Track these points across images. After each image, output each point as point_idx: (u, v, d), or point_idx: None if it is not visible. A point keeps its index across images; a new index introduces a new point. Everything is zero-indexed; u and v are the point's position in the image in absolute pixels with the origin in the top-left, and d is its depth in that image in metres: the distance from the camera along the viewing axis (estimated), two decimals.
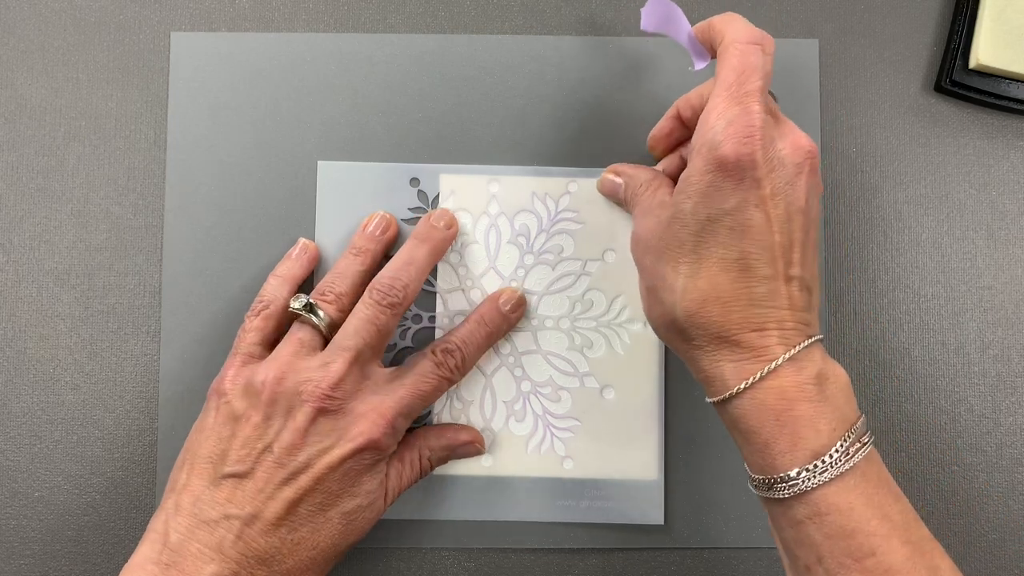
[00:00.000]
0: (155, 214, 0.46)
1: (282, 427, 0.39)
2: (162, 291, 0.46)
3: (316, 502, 0.39)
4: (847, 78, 0.47)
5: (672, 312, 0.37)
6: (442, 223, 0.44)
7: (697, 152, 0.36)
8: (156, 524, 0.39)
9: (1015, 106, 0.46)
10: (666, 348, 0.45)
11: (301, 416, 0.39)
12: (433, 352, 0.42)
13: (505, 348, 0.45)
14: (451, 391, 0.45)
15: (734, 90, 0.36)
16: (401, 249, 0.43)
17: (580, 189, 0.46)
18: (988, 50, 0.45)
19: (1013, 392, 0.46)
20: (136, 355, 0.46)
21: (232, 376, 0.40)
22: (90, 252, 0.46)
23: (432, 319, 0.45)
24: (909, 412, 0.46)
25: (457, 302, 0.45)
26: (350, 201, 0.46)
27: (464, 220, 0.46)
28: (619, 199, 0.43)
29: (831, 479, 0.33)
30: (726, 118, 0.35)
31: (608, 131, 0.47)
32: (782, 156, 0.36)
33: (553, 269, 0.46)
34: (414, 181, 0.46)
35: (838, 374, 0.36)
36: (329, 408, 0.39)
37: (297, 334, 0.41)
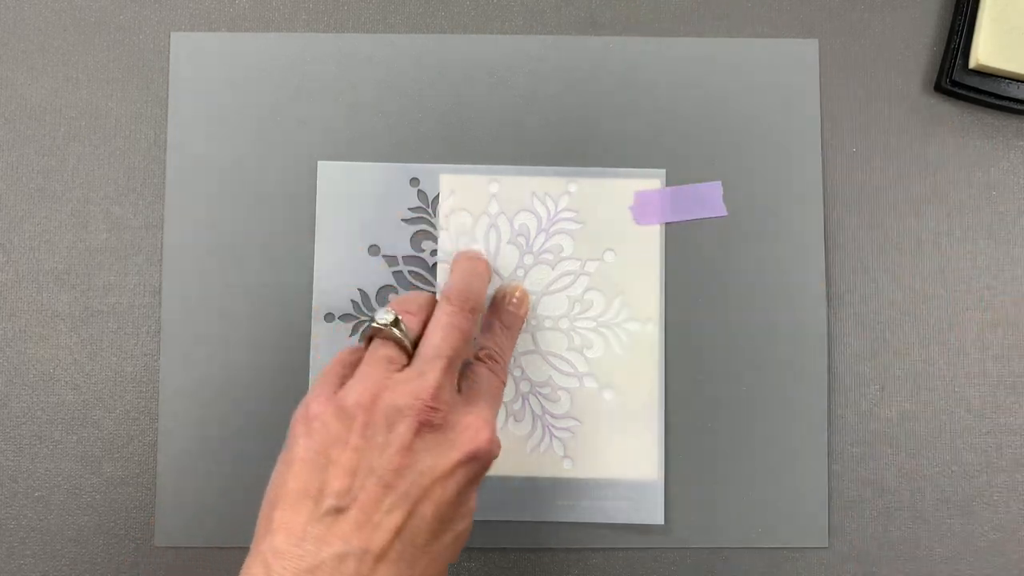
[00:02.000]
0: (155, 214, 0.46)
1: (385, 447, 0.35)
2: (162, 291, 0.46)
3: (430, 526, 0.35)
4: (847, 78, 0.47)
5: None
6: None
7: None
8: (253, 572, 0.34)
9: (1015, 106, 0.46)
10: (666, 347, 0.45)
11: (404, 432, 0.36)
12: (484, 361, 0.42)
13: None
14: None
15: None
16: (459, 263, 0.44)
17: (580, 189, 0.46)
18: (988, 50, 0.45)
19: (1013, 392, 0.46)
20: (136, 355, 0.46)
21: (321, 400, 0.37)
22: (90, 252, 0.46)
23: None
24: (909, 412, 0.46)
25: None
26: (350, 201, 0.46)
27: (464, 220, 0.46)
28: None
29: None
30: None
31: (608, 131, 0.47)
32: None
33: (552, 269, 0.46)
34: (414, 181, 0.46)
35: None
36: (432, 420, 0.36)
37: (380, 351, 0.38)
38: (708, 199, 0.46)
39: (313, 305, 0.46)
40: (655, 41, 0.47)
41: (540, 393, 0.45)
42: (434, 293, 0.46)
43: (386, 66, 0.47)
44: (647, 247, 0.46)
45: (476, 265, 0.44)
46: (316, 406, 0.37)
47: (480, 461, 0.37)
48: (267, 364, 0.45)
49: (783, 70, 0.47)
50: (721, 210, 0.46)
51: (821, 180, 0.46)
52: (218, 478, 0.45)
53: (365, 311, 0.46)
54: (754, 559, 0.45)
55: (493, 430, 0.38)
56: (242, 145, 0.46)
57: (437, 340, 0.38)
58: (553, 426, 0.45)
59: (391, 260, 0.46)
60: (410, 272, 0.46)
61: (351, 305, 0.46)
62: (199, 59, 0.47)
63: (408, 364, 0.38)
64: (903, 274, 0.47)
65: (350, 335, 0.46)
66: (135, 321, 0.46)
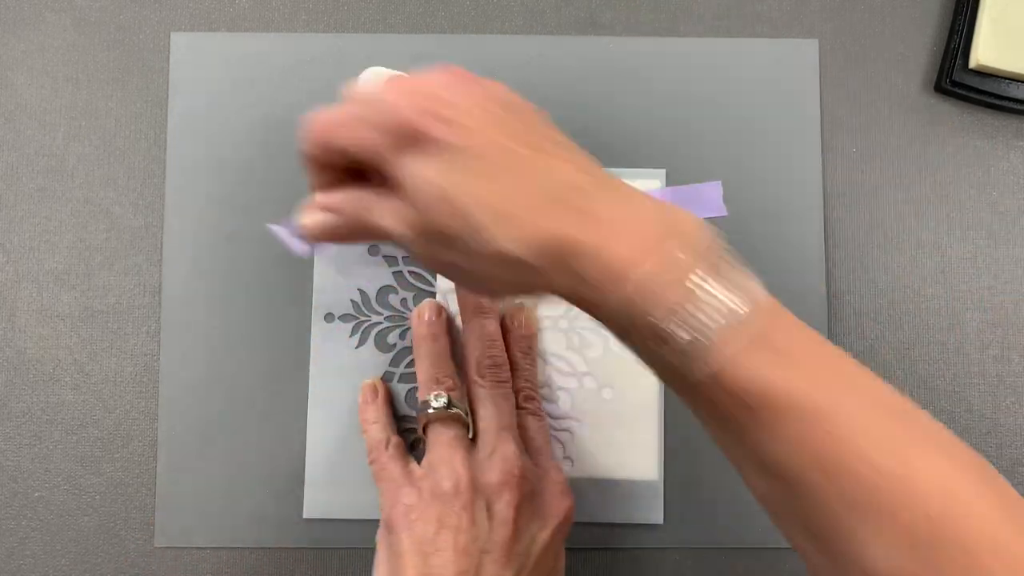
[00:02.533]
0: (155, 214, 0.46)
1: (491, 525, 0.38)
2: (162, 291, 0.46)
3: None
4: (847, 78, 0.47)
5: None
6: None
7: None
8: None
9: (1015, 106, 0.46)
10: None
11: (505, 509, 0.38)
12: (526, 407, 0.43)
13: None
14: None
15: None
16: (470, 327, 0.43)
17: None
18: (988, 50, 0.45)
19: (1013, 392, 0.46)
20: (136, 355, 0.46)
21: (410, 494, 0.39)
22: (90, 252, 0.46)
23: None
24: None
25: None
26: None
27: None
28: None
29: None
30: None
31: (608, 131, 0.47)
32: None
33: None
34: None
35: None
36: (525, 491, 0.39)
37: (447, 434, 0.40)
38: (708, 199, 0.46)
39: (313, 305, 0.46)
40: (655, 41, 0.47)
41: (540, 393, 0.45)
42: (434, 294, 0.46)
43: (386, 66, 0.47)
44: None
45: (488, 327, 0.43)
46: (409, 498, 0.39)
47: (570, 522, 0.40)
48: (267, 364, 0.45)
49: (783, 70, 0.47)
50: (721, 210, 0.46)
51: (821, 180, 0.46)
52: (218, 478, 0.45)
53: (365, 311, 0.46)
54: (754, 559, 0.45)
55: (569, 490, 0.41)
56: (242, 145, 0.46)
57: (494, 413, 0.41)
58: (553, 426, 0.45)
59: (391, 260, 0.46)
60: (410, 272, 0.46)
61: (351, 305, 0.46)
62: (199, 59, 0.47)
63: (471, 437, 0.41)
64: (903, 274, 0.47)
65: (350, 335, 0.46)
66: (135, 321, 0.46)
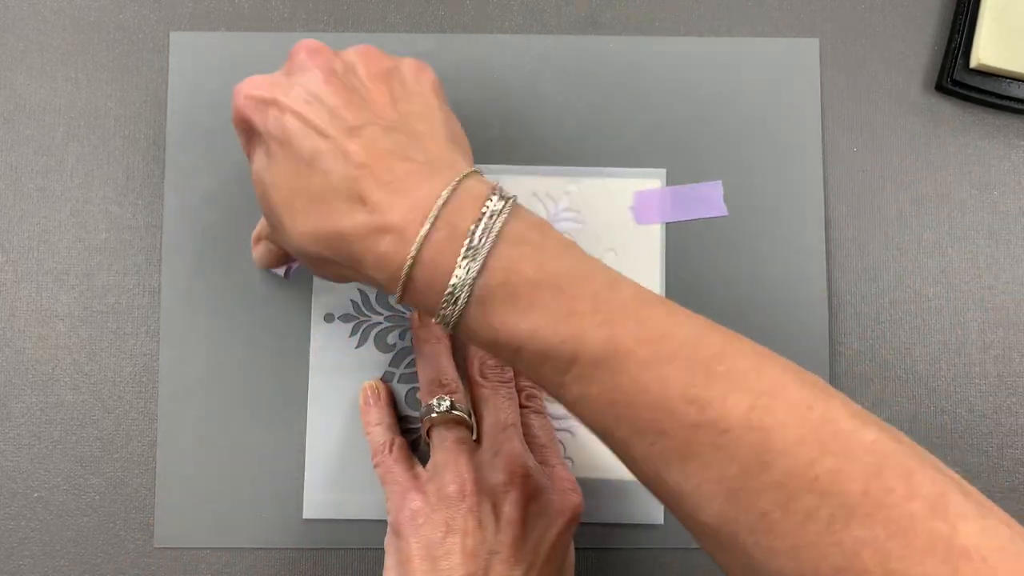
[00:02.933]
0: (154, 214, 0.46)
1: (498, 526, 0.38)
2: (162, 291, 0.46)
3: None
4: (848, 77, 0.47)
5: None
6: None
7: None
8: None
9: (1016, 106, 0.46)
10: None
11: (512, 509, 0.38)
12: (529, 405, 0.43)
13: None
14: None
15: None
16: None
17: (580, 189, 0.46)
18: (989, 49, 0.45)
19: (1014, 392, 0.46)
20: (136, 355, 0.46)
21: (416, 499, 0.39)
22: (89, 252, 0.46)
23: None
24: (910, 413, 0.46)
25: None
26: None
27: None
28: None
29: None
30: None
31: (608, 131, 0.47)
32: None
33: None
34: None
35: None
36: (531, 490, 0.39)
37: (451, 436, 0.40)
38: (708, 199, 0.46)
39: (313, 305, 0.46)
40: (655, 41, 0.47)
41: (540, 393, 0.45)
42: None
43: None
44: (647, 247, 0.46)
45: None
46: (415, 502, 0.39)
47: (578, 519, 0.40)
48: (267, 364, 0.45)
49: (783, 69, 0.47)
50: (722, 209, 0.46)
51: (821, 180, 0.46)
52: (218, 478, 0.45)
53: (365, 311, 0.46)
54: None
55: (577, 486, 0.41)
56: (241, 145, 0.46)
57: (499, 413, 0.41)
58: (554, 426, 0.45)
59: None
60: None
61: (351, 305, 0.46)
62: (199, 59, 0.47)
63: (475, 438, 0.41)
64: (903, 274, 0.46)
65: (350, 335, 0.46)
66: (134, 321, 0.46)
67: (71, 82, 0.47)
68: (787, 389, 0.28)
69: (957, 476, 0.28)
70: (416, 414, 0.45)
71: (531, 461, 0.40)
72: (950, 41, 0.47)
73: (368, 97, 0.34)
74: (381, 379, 0.45)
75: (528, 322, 0.30)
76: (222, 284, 0.46)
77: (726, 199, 0.46)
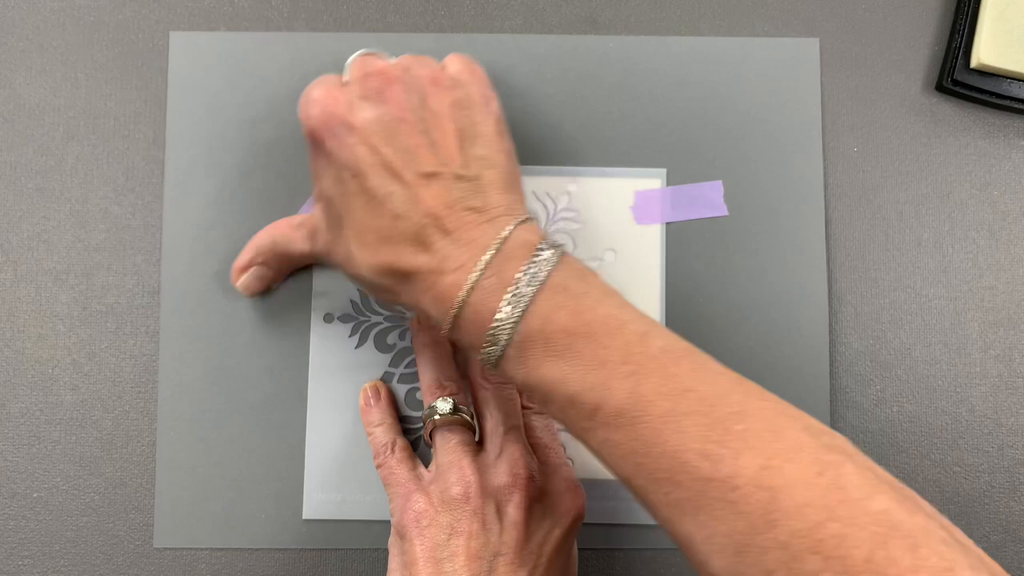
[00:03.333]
0: (154, 214, 0.46)
1: (502, 528, 0.38)
2: (161, 291, 0.46)
3: None
4: (848, 77, 0.47)
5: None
6: None
7: None
8: None
9: (1016, 105, 0.46)
10: None
11: (515, 511, 0.38)
12: (530, 407, 0.43)
13: None
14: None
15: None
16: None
17: (580, 189, 0.46)
18: (989, 49, 0.45)
19: (1015, 392, 0.46)
20: (135, 355, 0.46)
21: (420, 501, 0.39)
22: (88, 252, 0.46)
23: None
24: (910, 413, 0.46)
25: None
26: None
27: None
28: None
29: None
30: None
31: (608, 131, 0.47)
32: None
33: None
34: None
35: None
36: (534, 491, 0.39)
37: (454, 439, 0.41)
38: (709, 198, 0.46)
39: (313, 305, 0.46)
40: (655, 41, 0.47)
41: None
42: None
43: None
44: (647, 247, 0.46)
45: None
46: (419, 504, 0.39)
47: (581, 519, 0.40)
48: (266, 365, 0.45)
49: (784, 69, 0.47)
50: (722, 209, 0.46)
51: (822, 180, 0.46)
52: (218, 478, 0.45)
53: (365, 311, 0.46)
54: None
55: (580, 487, 0.41)
56: (241, 145, 0.46)
57: (501, 415, 0.41)
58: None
59: None
60: None
61: (351, 306, 0.46)
62: (198, 59, 0.47)
63: (477, 440, 0.41)
64: (903, 274, 0.46)
65: (350, 335, 0.45)
66: (134, 321, 0.46)
67: (71, 82, 0.47)
68: (801, 452, 0.29)
69: (975, 549, 0.28)
70: (416, 414, 0.45)
71: (534, 463, 0.40)
72: (950, 41, 0.47)
73: (439, 142, 0.36)
74: (381, 379, 0.45)
75: (559, 368, 0.32)
76: (221, 284, 0.46)
77: (726, 199, 0.46)
